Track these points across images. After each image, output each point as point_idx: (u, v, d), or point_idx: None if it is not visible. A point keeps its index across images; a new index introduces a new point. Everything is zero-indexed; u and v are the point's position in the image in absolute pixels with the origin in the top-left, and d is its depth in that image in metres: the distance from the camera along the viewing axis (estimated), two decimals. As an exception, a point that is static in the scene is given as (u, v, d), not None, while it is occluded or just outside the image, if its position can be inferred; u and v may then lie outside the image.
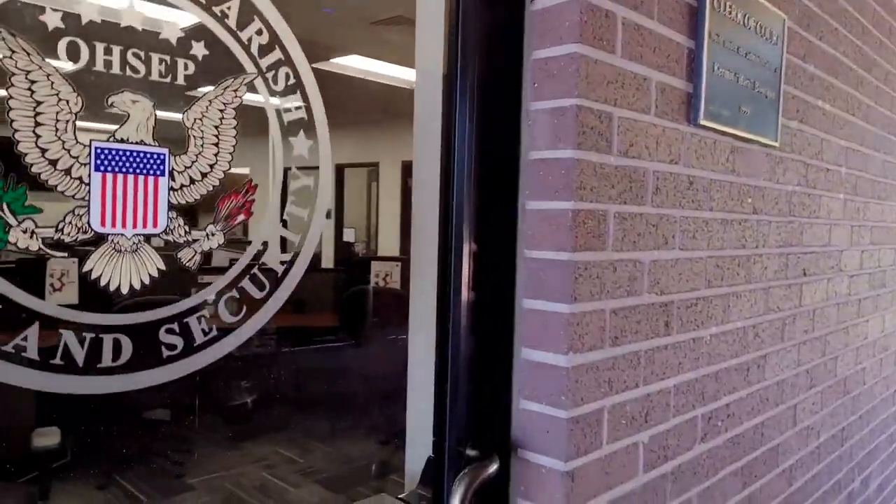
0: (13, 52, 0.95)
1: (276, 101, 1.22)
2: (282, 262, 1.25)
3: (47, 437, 2.96)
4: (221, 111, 1.16)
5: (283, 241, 1.25)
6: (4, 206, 0.96)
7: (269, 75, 1.22)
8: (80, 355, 1.03)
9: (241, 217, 1.20)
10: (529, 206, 1.53)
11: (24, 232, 0.97)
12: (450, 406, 1.54)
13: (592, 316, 1.48)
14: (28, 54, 0.96)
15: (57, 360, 1.00)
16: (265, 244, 1.24)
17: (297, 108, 1.25)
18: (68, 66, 0.99)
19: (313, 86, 1.25)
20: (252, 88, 1.20)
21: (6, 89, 0.95)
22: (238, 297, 1.21)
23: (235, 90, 1.17)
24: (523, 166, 1.56)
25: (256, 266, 1.24)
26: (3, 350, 0.95)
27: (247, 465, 4.70)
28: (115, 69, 1.04)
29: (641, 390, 1.62)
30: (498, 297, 1.54)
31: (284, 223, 1.23)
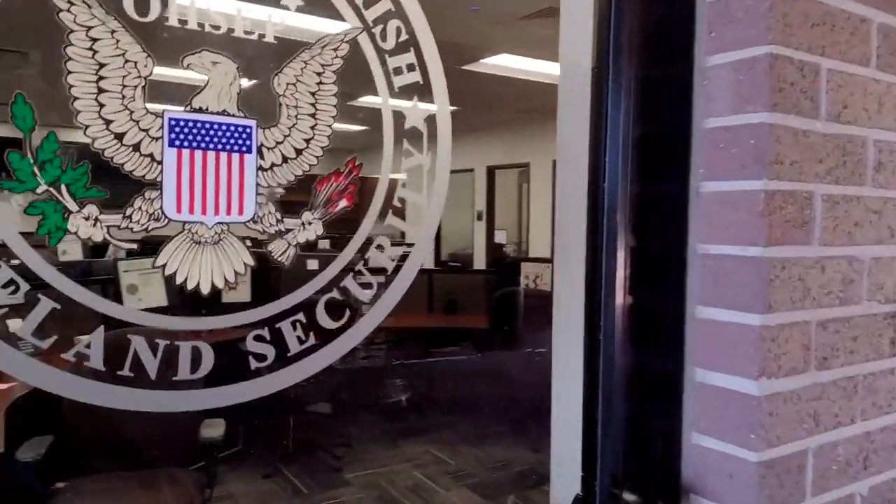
0: (71, 4, 0.80)
1: (383, 58, 1.00)
2: (392, 259, 1.03)
3: (214, 429, 3.01)
4: (319, 74, 0.96)
5: (394, 232, 1.03)
6: (63, 189, 0.81)
7: (377, 30, 1.00)
8: (152, 366, 0.87)
9: (344, 203, 0.99)
10: (705, 188, 1.20)
11: (87, 219, 0.82)
12: (601, 435, 1.25)
13: (793, 330, 1.13)
14: (89, 6, 0.81)
15: (125, 371, 0.85)
16: (370, 237, 1.02)
17: (410, 67, 1.03)
18: (137, 21, 0.83)
19: (432, 51, 1.02)
20: (355, 46, 0.99)
21: (63, 49, 0.80)
22: (341, 299, 1.00)
23: (336, 49, 0.97)
24: (696, 138, 1.24)
25: (361, 262, 1.03)
26: (67, 360, 0.81)
27: (400, 464, 4.65)
28: (192, 24, 0.87)
29: (859, 427, 1.24)
30: (663, 302, 1.23)
31: (396, 210, 1.01)
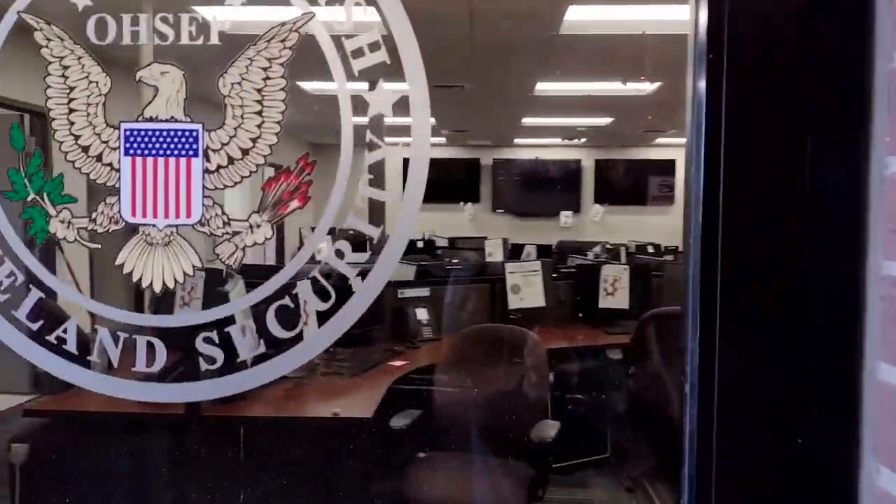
0: (49, 40, 0.94)
1: (339, 41, 0.89)
2: (352, 264, 0.91)
3: (547, 429, 3.09)
4: (265, 69, 0.91)
5: (356, 235, 0.90)
6: (45, 196, 0.96)
7: (330, 10, 0.90)
8: (114, 355, 0.95)
9: (295, 204, 0.91)
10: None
11: (62, 222, 0.96)
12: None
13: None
14: (62, 40, 0.94)
15: (94, 357, 0.95)
16: (329, 237, 0.92)
17: (373, 46, 0.89)
18: (97, 44, 0.93)
19: (403, 25, 0.86)
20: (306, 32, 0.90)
21: (44, 79, 0.95)
22: (293, 306, 0.93)
23: (283, 40, 0.90)
24: (879, 87, 0.79)
25: (317, 268, 0.93)
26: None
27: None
28: (143, 39, 0.93)
29: None
30: (820, 358, 0.80)
31: (358, 211, 0.89)
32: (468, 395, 3.40)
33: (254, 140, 0.92)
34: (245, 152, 0.92)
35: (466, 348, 3.55)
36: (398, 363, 3.34)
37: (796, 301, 0.77)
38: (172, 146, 0.92)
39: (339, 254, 0.90)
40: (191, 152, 0.92)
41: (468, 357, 3.47)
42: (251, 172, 0.93)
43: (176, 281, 0.95)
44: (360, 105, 0.89)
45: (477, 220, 10.21)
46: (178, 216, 0.93)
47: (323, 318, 0.91)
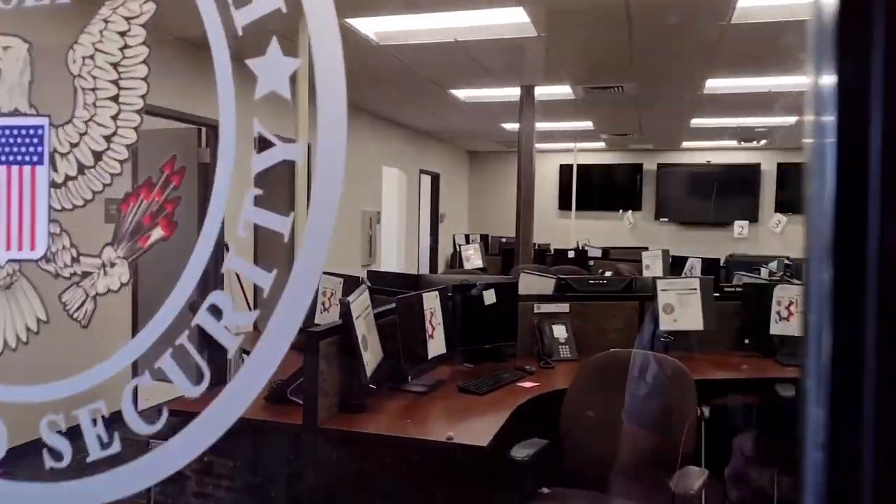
0: None
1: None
2: (235, 330, 0.57)
3: (691, 479, 2.64)
4: (123, 34, 0.60)
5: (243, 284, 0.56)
6: None
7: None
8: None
9: (158, 233, 0.59)
10: None
11: None
12: None
13: None
14: None
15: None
16: (201, 290, 0.58)
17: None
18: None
19: None
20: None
21: None
22: (166, 377, 0.60)
23: None
24: None
25: (185, 334, 0.60)
26: None
27: None
28: (-16, 3, 0.66)
29: None
30: None
31: (241, 246, 0.55)
32: (602, 428, 2.99)
33: (108, 138, 0.62)
34: (98, 156, 0.63)
35: (604, 374, 3.13)
36: (528, 384, 3.00)
37: None
38: (16, 149, 0.65)
39: (215, 312, 0.58)
40: (34, 158, 0.64)
41: (605, 384, 3.05)
42: (105, 186, 0.63)
43: (18, 339, 0.67)
44: (244, 81, 0.56)
45: (637, 229, 9.46)
46: (20, 248, 0.65)
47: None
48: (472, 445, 2.15)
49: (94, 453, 0.63)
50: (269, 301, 0.56)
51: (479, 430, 2.40)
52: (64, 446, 0.65)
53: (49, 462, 0.65)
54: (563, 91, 6.02)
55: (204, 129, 4.10)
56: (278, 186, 0.56)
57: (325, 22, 0.54)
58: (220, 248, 0.57)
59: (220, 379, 0.57)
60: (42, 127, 0.64)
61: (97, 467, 0.63)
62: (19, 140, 0.65)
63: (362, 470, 2.24)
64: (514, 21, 4.15)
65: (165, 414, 0.60)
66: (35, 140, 0.64)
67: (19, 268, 0.67)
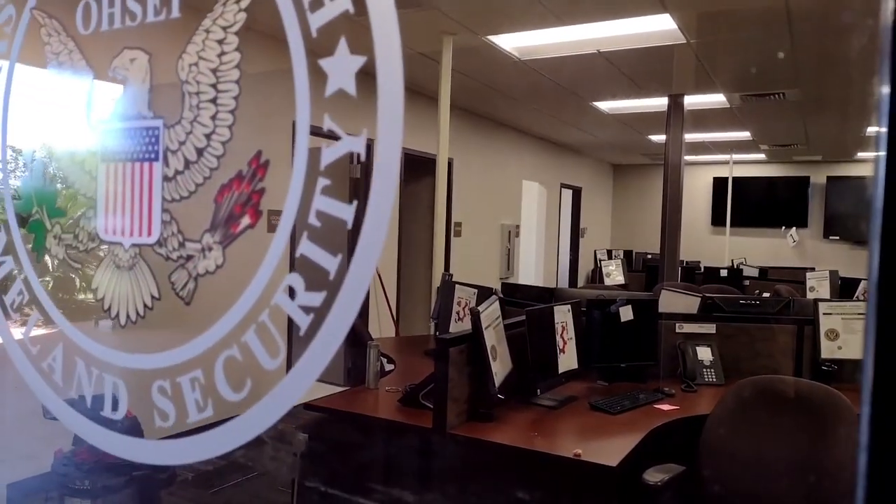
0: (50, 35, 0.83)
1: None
2: (307, 309, 0.61)
3: None
4: (221, 42, 0.68)
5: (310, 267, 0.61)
6: (44, 207, 0.85)
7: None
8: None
9: (246, 221, 0.66)
10: None
11: (55, 238, 0.84)
12: None
13: None
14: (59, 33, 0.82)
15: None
16: (282, 272, 0.63)
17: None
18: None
19: None
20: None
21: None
22: (241, 358, 0.66)
23: (238, 1, 0.66)
24: None
25: (266, 311, 0.65)
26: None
27: None
28: (116, 22, 0.76)
29: None
30: None
31: (313, 232, 0.60)
32: (749, 460, 2.78)
33: (208, 136, 0.70)
34: (200, 152, 0.71)
35: (751, 402, 2.92)
36: (665, 407, 2.87)
37: None
38: (137, 148, 0.75)
39: (290, 292, 0.63)
40: (152, 155, 0.74)
41: (752, 414, 2.83)
42: (205, 179, 0.71)
43: (138, 313, 0.77)
44: (317, 78, 0.61)
45: (802, 247, 8.72)
46: (140, 234, 0.75)
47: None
48: (601, 465, 2.07)
49: (193, 416, 0.71)
50: (335, 284, 0.60)
51: (609, 449, 2.31)
52: (170, 408, 0.73)
53: (158, 422, 0.74)
54: (715, 100, 5.74)
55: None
56: (339, 178, 0.61)
57: (385, 20, 0.58)
58: (296, 233, 0.63)
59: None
60: (158, 128, 0.74)
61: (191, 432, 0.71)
62: (140, 140, 0.75)
63: (486, 478, 2.23)
64: (660, 28, 4.02)
65: (249, 385, 0.66)
66: (153, 139, 0.74)
67: (139, 251, 0.77)
